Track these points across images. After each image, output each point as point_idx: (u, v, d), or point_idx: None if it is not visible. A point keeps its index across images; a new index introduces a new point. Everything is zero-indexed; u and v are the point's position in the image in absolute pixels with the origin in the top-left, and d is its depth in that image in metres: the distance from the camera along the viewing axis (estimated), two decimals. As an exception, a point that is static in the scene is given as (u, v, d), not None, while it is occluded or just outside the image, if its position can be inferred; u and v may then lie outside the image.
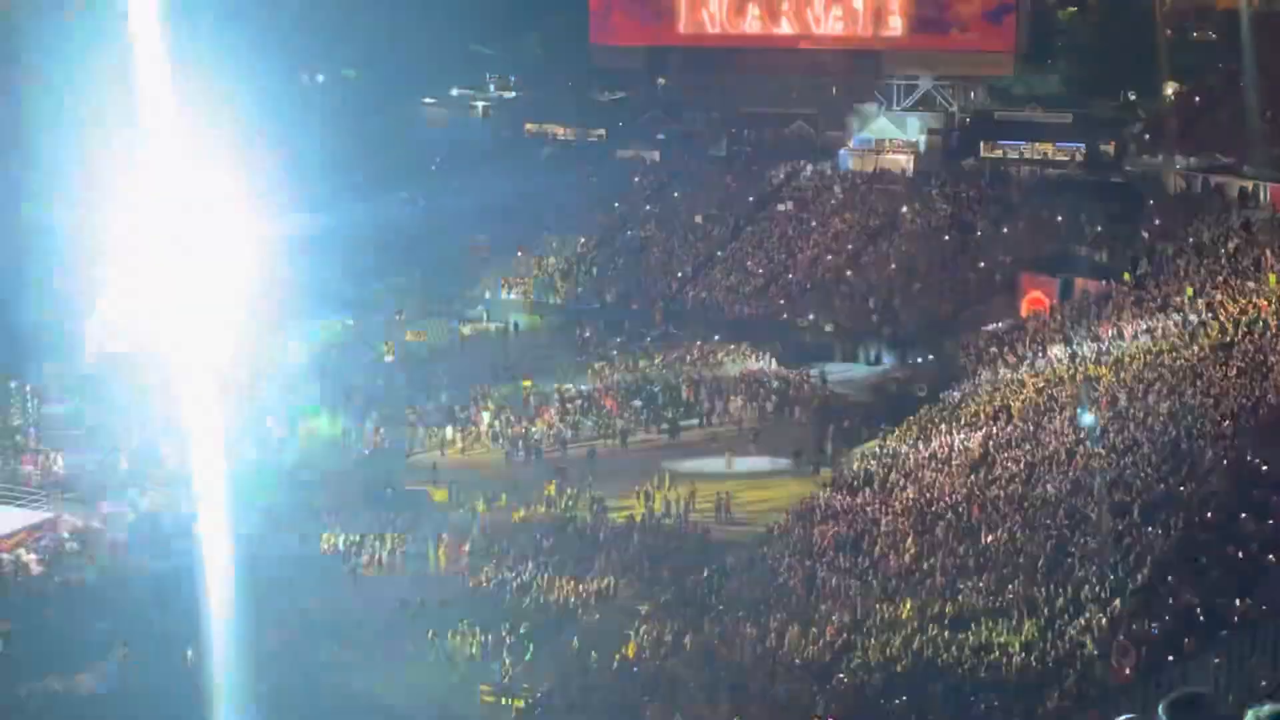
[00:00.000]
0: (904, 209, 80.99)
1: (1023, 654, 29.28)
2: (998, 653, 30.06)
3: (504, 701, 37.24)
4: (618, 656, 37.33)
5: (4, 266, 59.68)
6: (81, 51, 56.58)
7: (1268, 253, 55.63)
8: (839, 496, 46.09)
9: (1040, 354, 57.93)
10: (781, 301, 74.89)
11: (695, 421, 60.73)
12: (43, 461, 55.96)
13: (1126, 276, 63.53)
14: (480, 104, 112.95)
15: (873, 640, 33.11)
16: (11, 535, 48.12)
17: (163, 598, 43.62)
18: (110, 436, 58.73)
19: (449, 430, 59.68)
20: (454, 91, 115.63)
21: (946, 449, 47.66)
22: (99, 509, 51.20)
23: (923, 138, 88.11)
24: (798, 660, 33.19)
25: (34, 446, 57.44)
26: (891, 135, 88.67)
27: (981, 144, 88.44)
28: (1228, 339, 49.09)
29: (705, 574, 42.59)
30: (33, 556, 47.46)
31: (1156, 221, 70.93)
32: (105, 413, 60.82)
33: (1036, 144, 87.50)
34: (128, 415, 60.59)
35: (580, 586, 43.70)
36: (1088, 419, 45.26)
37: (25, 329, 59.84)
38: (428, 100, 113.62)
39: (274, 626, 41.29)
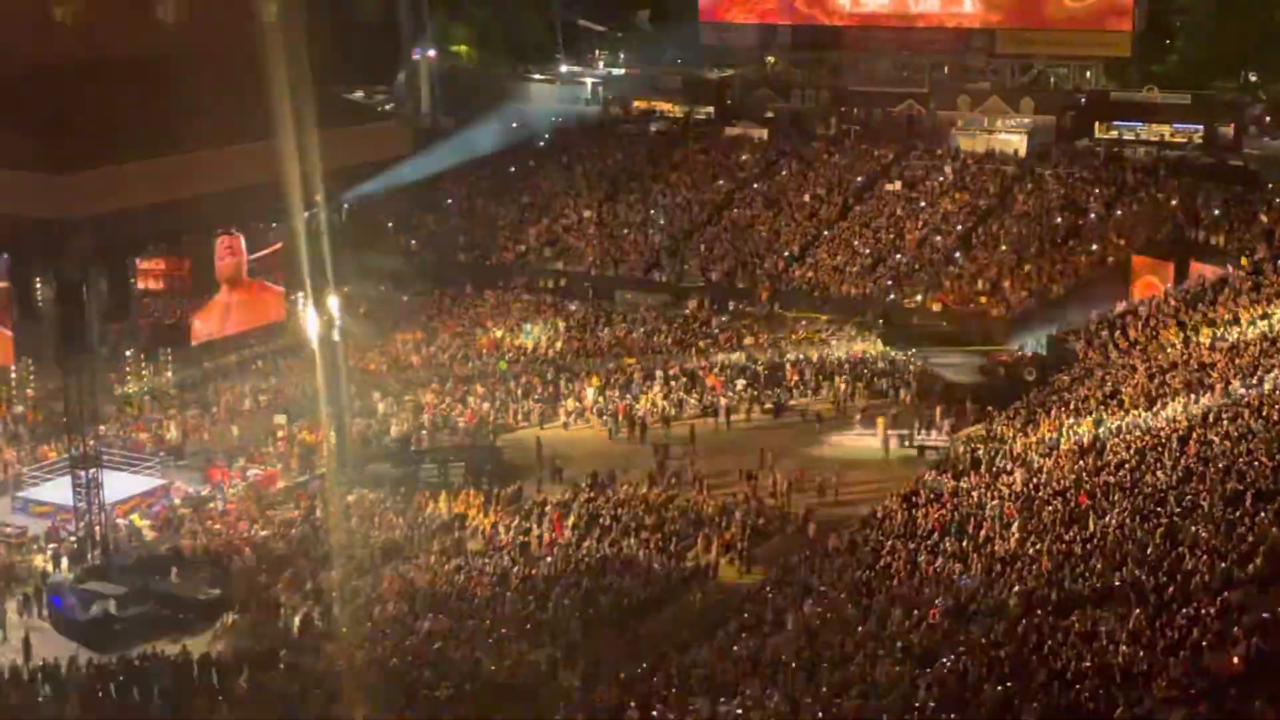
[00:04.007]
0: (1015, 190, 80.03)
1: (1130, 643, 28.79)
2: (1104, 640, 29.62)
3: (604, 677, 37.35)
4: (719, 634, 37.31)
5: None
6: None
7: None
8: (944, 480, 45.73)
9: (1153, 339, 57.03)
10: (889, 282, 74.33)
11: (799, 402, 60.49)
12: (155, 429, 57.04)
13: (1244, 261, 62.33)
14: (589, 80, 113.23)
15: (976, 625, 32.79)
16: (126, 500, 49.13)
17: (271, 565, 44.33)
18: (222, 406, 59.81)
19: (561, 403, 59.98)
20: (563, 68, 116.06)
21: (1055, 434, 47.08)
22: (210, 476, 52.14)
23: (1036, 118, 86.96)
24: (900, 643, 32.95)
25: (148, 414, 58.55)
26: (1004, 115, 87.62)
27: (1096, 125, 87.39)
28: (1348, 326, 48.04)
29: (807, 554, 42.45)
30: (146, 522, 48.47)
31: (1275, 205, 69.49)
32: (217, 382, 61.93)
33: (1153, 125, 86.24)
34: (239, 385, 61.64)
35: (682, 564, 43.74)
36: (1201, 405, 44.52)
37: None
38: (537, 76, 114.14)
39: (379, 597, 41.82)
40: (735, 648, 35.61)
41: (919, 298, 72.50)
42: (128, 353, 60.78)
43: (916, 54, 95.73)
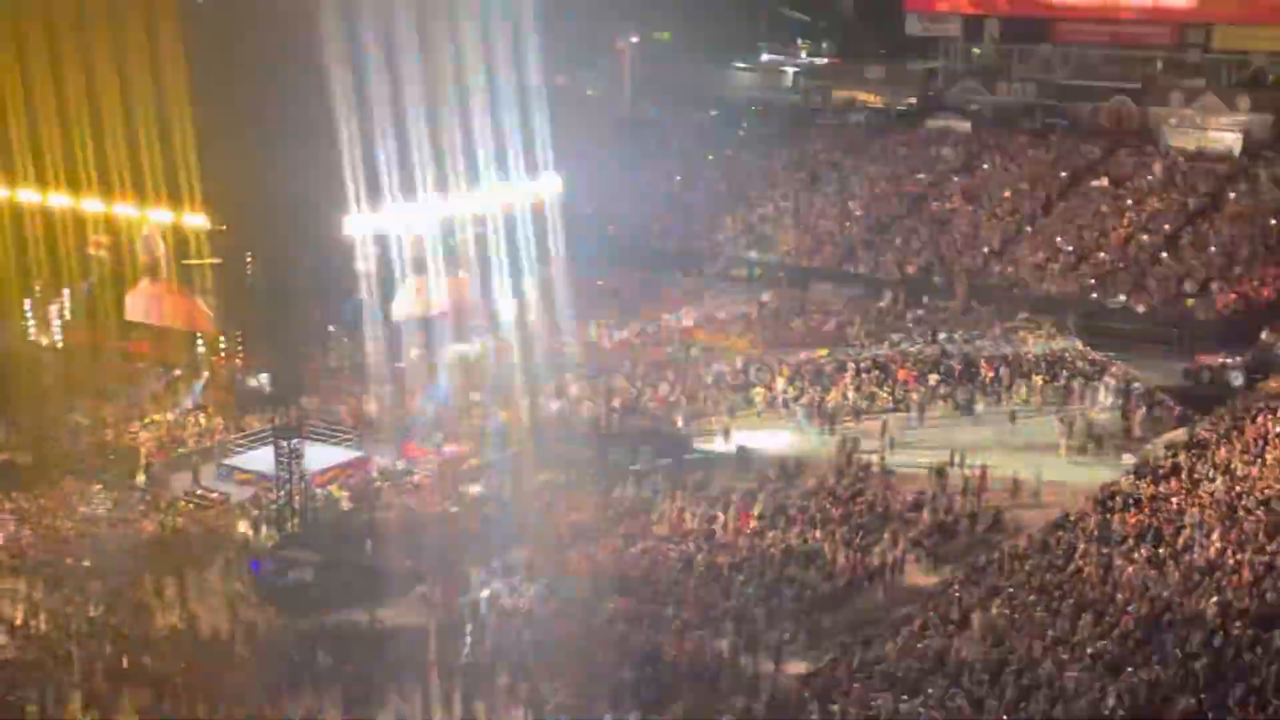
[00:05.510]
0: (1228, 190, 77.56)
1: (1333, 662, 27.91)
2: (1305, 658, 28.76)
3: (785, 668, 37.30)
4: (903, 631, 36.99)
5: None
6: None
7: None
8: (1142, 485, 44.65)
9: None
10: (1091, 281, 72.65)
11: (993, 399, 59.53)
12: (353, 403, 58.45)
13: None
14: (790, 69, 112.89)
15: (1170, 635, 32.02)
16: (325, 471, 50.54)
17: (460, 541, 45.12)
18: (419, 384, 60.93)
19: (753, 393, 59.89)
20: (764, 56, 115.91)
21: (1260, 442, 45.64)
22: (406, 451, 53.28)
23: (1252, 116, 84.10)
24: (1089, 650, 32.33)
25: (348, 389, 59.97)
26: (1219, 113, 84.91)
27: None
28: None
29: (996, 555, 41.79)
30: (344, 493, 49.75)
31: None
32: (415, 360, 63.14)
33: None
34: (437, 364, 62.77)
35: (867, 559, 43.40)
36: None
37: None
38: (738, 64, 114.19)
39: (564, 577, 42.29)
40: (919, 645, 35.28)
41: (1122, 298, 70.72)
42: (331, 328, 62.33)
43: (1129, 48, 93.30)
